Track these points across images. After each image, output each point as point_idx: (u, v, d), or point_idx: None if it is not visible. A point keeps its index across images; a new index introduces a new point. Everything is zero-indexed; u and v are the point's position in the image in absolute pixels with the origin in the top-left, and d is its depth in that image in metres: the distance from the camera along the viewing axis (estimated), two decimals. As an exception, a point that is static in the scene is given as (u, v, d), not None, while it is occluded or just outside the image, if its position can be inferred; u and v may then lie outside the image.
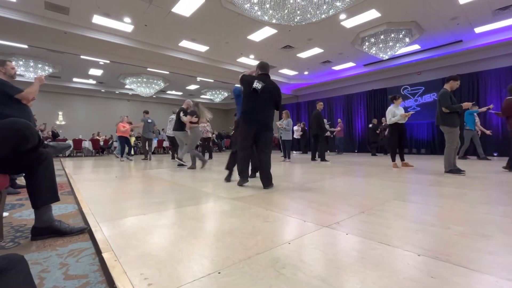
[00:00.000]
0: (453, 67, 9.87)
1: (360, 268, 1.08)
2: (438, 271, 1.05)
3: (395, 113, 5.25)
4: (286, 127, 7.29)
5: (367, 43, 8.17)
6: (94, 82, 13.97)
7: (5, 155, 1.36)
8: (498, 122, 8.85)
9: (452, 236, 1.45)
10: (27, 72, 9.82)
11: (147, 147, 8.71)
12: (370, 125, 10.53)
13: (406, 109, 10.01)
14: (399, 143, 5.39)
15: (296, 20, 5.61)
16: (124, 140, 8.16)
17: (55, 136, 11.58)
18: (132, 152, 9.05)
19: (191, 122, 5.43)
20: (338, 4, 5.20)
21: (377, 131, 10.24)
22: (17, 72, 2.76)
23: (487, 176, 3.94)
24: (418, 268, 1.08)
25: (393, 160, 5.42)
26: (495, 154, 8.82)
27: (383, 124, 9.89)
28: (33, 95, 2.65)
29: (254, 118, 3.15)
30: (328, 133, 11.30)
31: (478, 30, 7.93)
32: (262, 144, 3.14)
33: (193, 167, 5.33)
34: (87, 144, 11.70)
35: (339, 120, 11.73)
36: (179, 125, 5.78)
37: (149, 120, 8.56)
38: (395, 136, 5.34)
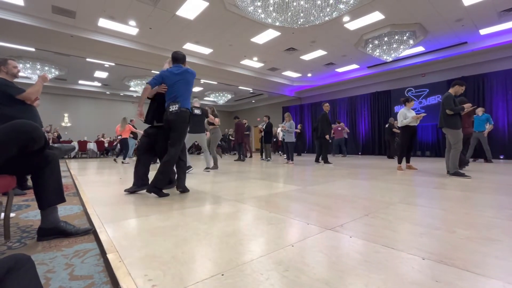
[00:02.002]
0: (458, 69, 9.80)
1: (364, 272, 1.08)
2: (443, 275, 1.04)
3: (406, 115, 5.25)
4: (289, 129, 7.29)
5: (370, 45, 8.15)
6: (99, 84, 14.14)
7: (12, 156, 1.38)
8: (505, 124, 8.74)
9: (457, 240, 1.43)
10: (34, 74, 9.98)
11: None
12: (387, 125, 9.74)
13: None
14: (408, 146, 5.38)
15: (299, 22, 5.62)
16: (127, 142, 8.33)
17: (58, 138, 11.72)
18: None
19: (213, 124, 5.79)
20: (341, 6, 5.20)
21: (394, 130, 9.36)
22: (24, 75, 2.70)
23: (492, 178, 3.89)
24: (423, 272, 1.07)
25: (400, 162, 5.39)
26: (502, 157, 8.70)
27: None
28: (36, 95, 2.55)
29: None
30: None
31: (483, 31, 7.87)
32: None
33: (215, 167, 5.65)
34: (92, 145, 11.82)
35: (337, 121, 11.65)
36: (202, 127, 5.69)
37: None
38: (406, 138, 5.32)
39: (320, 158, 7.23)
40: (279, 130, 7.90)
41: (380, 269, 1.10)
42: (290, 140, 7.37)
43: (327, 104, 7.43)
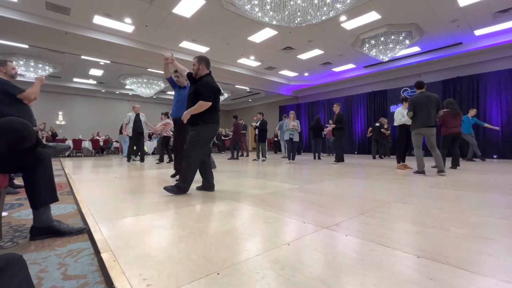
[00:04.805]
0: (453, 69, 9.90)
1: (360, 270, 1.08)
2: (438, 273, 1.05)
3: (404, 114, 5.32)
4: (298, 128, 7.18)
5: (367, 45, 8.19)
6: (94, 82, 13.99)
7: (3, 155, 1.36)
8: (498, 124, 8.86)
9: (451, 238, 1.44)
10: (27, 72, 9.84)
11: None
12: (377, 124, 9.55)
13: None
14: (405, 145, 5.45)
15: (296, 21, 5.62)
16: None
17: (54, 136, 11.58)
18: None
19: None
20: (338, 6, 5.21)
21: (383, 130, 9.34)
22: (18, 72, 2.79)
23: (486, 177, 3.94)
24: (418, 270, 1.08)
25: (399, 162, 5.43)
26: (495, 156, 8.82)
27: (385, 126, 9.42)
28: (35, 95, 2.71)
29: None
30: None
31: (478, 32, 7.95)
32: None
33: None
34: (86, 144, 11.70)
35: (330, 121, 11.71)
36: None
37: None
38: (403, 137, 5.38)
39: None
40: (284, 129, 7.48)
41: (375, 268, 1.10)
42: (297, 140, 7.29)
43: (335, 104, 7.45)
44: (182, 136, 3.45)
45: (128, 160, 7.21)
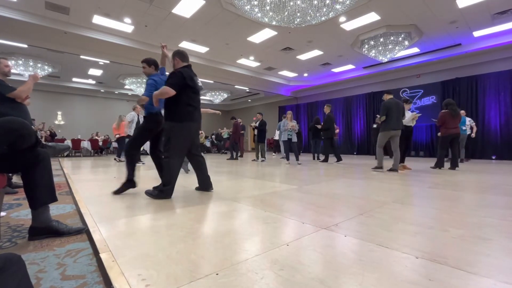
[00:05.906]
0: (452, 70, 9.92)
1: (359, 270, 1.08)
2: (436, 274, 1.05)
3: (406, 115, 5.39)
4: (296, 128, 7.17)
5: (366, 46, 8.20)
6: (93, 82, 13.97)
7: (1, 154, 1.36)
8: (497, 125, 8.88)
9: (450, 239, 1.45)
10: (26, 71, 9.82)
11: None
12: (374, 126, 9.47)
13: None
14: (405, 145, 5.49)
15: (296, 22, 5.63)
16: None
17: (52, 136, 11.54)
18: None
19: None
20: (338, 6, 5.22)
21: None
22: (17, 72, 2.74)
23: (485, 179, 3.96)
24: (416, 270, 1.08)
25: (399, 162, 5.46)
26: (494, 157, 8.85)
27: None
28: (27, 93, 2.59)
29: None
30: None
31: (477, 33, 7.98)
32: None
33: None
34: (86, 144, 11.67)
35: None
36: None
37: None
38: (402, 138, 5.41)
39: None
40: (282, 129, 7.43)
41: (374, 268, 1.10)
42: (295, 140, 7.27)
43: (326, 105, 7.65)
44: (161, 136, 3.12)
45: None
